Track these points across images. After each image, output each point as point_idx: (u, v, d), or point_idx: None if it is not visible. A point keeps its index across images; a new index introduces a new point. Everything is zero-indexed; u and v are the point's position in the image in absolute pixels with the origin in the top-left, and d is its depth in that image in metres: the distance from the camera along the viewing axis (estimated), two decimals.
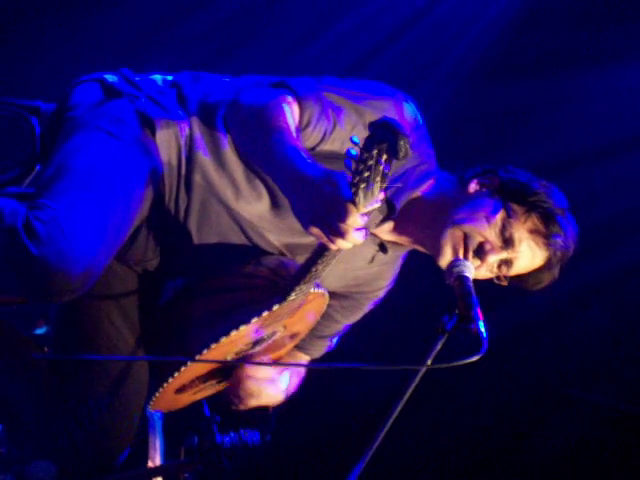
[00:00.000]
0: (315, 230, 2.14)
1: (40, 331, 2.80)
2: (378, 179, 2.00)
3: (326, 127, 2.45)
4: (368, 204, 2.05)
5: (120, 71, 2.64)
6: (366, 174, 1.99)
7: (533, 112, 4.34)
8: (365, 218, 2.09)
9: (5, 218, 2.29)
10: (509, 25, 4.33)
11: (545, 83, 4.31)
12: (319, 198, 2.11)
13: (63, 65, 3.76)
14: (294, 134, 2.31)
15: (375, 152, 1.96)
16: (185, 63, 2.98)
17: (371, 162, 1.97)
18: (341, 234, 2.10)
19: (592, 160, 4.31)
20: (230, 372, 2.68)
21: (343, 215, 2.07)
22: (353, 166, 2.00)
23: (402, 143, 1.94)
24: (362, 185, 2.01)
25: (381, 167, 1.98)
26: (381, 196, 2.05)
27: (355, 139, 2.00)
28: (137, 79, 2.62)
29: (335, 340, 2.86)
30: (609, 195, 4.33)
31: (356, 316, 2.83)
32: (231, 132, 2.49)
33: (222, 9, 4.15)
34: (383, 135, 1.95)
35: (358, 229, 2.09)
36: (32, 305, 2.66)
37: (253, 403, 2.68)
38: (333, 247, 2.16)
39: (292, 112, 2.38)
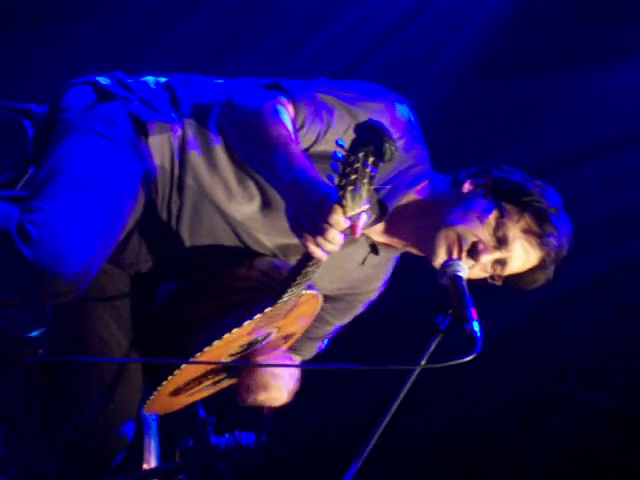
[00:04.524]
0: (301, 232, 2.13)
1: (35, 333, 2.79)
2: (365, 181, 2.00)
3: (320, 128, 2.45)
4: (356, 206, 2.05)
5: (112, 73, 2.63)
6: (353, 177, 1.99)
7: (527, 111, 4.34)
8: (349, 221, 2.08)
9: None
10: (502, 24, 4.34)
11: (539, 82, 4.32)
12: (308, 201, 2.11)
13: (55, 68, 3.76)
14: (293, 136, 2.31)
15: (361, 155, 1.96)
16: (177, 65, 2.98)
17: (357, 165, 1.97)
18: (324, 236, 2.09)
19: (587, 159, 4.32)
20: (228, 374, 2.68)
21: (328, 216, 2.06)
22: (340, 169, 2.00)
23: (387, 145, 1.94)
24: (349, 188, 2.01)
25: (368, 170, 1.98)
26: (370, 198, 2.05)
27: (341, 142, 2.00)
28: (130, 81, 2.61)
29: (326, 341, 2.86)
30: (606, 193, 4.34)
31: (348, 317, 2.83)
32: (225, 133, 2.49)
33: (214, 11, 4.16)
34: (368, 137, 1.95)
35: (342, 231, 2.08)
36: (26, 308, 2.66)
37: (263, 397, 2.64)
38: (317, 252, 2.14)
39: (288, 113, 2.38)
